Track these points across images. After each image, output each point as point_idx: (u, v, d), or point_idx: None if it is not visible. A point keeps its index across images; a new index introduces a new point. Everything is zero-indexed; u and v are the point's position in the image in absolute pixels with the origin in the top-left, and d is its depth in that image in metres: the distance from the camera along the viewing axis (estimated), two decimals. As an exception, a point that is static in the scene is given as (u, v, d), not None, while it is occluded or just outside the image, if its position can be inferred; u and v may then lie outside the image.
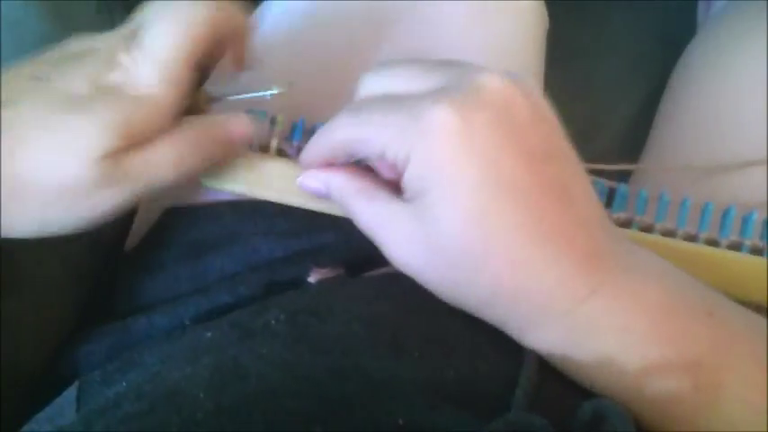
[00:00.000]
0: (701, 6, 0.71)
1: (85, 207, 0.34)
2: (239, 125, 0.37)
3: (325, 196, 0.38)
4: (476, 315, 0.34)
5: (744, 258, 0.42)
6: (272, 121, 0.41)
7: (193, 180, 0.44)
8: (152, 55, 0.34)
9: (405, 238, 0.33)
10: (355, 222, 0.36)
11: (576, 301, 0.32)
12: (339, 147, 0.35)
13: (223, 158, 0.39)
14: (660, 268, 0.34)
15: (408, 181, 0.32)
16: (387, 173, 0.36)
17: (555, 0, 0.57)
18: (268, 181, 0.40)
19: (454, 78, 0.33)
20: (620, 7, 0.70)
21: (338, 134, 0.35)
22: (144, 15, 0.35)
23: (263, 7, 0.55)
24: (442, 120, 0.31)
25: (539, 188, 0.32)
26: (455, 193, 0.31)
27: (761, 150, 0.51)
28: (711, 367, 0.31)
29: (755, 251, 0.42)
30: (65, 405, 0.36)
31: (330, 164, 0.37)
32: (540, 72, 0.59)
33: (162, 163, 0.35)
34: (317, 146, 0.36)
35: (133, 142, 0.33)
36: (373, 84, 0.35)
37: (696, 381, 0.31)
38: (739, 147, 0.52)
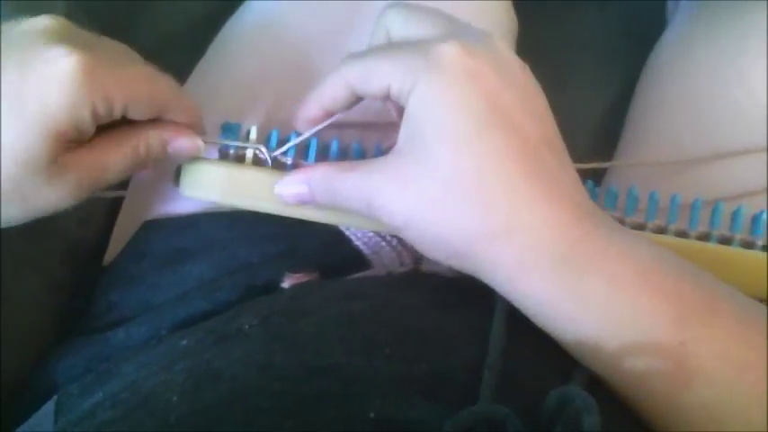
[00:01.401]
0: (669, 1, 0.72)
1: (22, 205, 0.35)
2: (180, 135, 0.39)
3: (305, 199, 0.38)
4: (468, 265, 0.34)
5: (713, 248, 0.42)
6: (248, 133, 0.42)
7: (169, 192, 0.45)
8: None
9: (395, 182, 0.34)
10: (343, 202, 0.36)
11: (568, 244, 0.32)
12: (343, 87, 0.36)
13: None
14: (643, 237, 0.35)
15: (410, 113, 0.33)
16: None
17: (523, 0, 0.58)
18: (244, 190, 0.41)
19: (461, 29, 0.35)
20: (588, 5, 0.71)
21: (344, 72, 0.36)
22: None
23: (243, 8, 0.55)
24: (451, 53, 0.33)
25: (536, 132, 0.33)
26: (457, 119, 0.32)
27: (732, 142, 0.51)
28: (697, 323, 0.32)
29: (723, 241, 0.43)
30: (43, 419, 0.36)
31: (325, 114, 0.38)
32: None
33: (99, 165, 0.36)
34: (323, 88, 0.37)
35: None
36: (394, 19, 0.37)
37: (682, 336, 0.32)
38: (712, 140, 0.53)
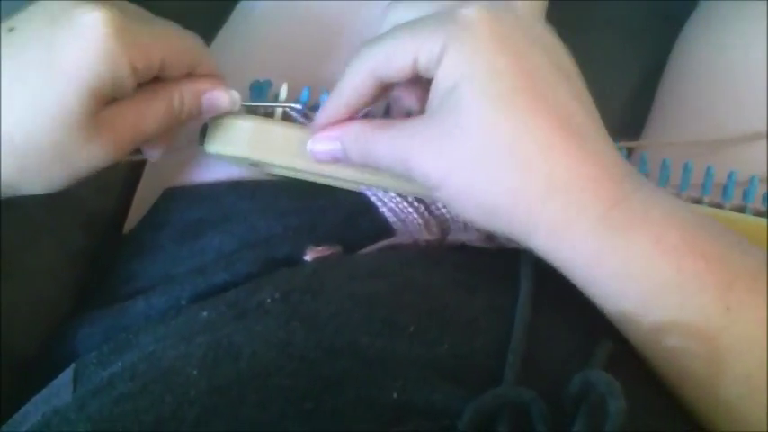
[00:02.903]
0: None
1: (64, 165, 0.35)
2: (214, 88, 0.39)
3: (338, 156, 0.37)
4: (505, 226, 0.34)
5: (748, 219, 0.42)
6: (277, 93, 0.41)
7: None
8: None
9: (430, 142, 0.33)
10: (377, 160, 0.36)
11: (608, 204, 0.32)
12: (365, 75, 0.35)
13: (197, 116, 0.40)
14: (683, 203, 0.34)
15: (441, 79, 0.33)
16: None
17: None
18: (273, 145, 0.40)
19: (477, 2, 0.34)
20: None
21: (364, 58, 0.35)
22: None
23: (240, 8, 0.55)
24: (478, 17, 0.32)
25: (567, 89, 0.33)
26: (490, 80, 0.32)
27: (763, 123, 0.50)
28: (742, 289, 0.31)
29: (758, 214, 0.42)
30: (61, 387, 0.36)
31: (349, 114, 0.37)
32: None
33: (137, 118, 0.36)
34: (344, 83, 0.36)
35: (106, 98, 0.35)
36: (401, 14, 0.36)
37: (728, 301, 0.31)
38: (742, 121, 0.52)
